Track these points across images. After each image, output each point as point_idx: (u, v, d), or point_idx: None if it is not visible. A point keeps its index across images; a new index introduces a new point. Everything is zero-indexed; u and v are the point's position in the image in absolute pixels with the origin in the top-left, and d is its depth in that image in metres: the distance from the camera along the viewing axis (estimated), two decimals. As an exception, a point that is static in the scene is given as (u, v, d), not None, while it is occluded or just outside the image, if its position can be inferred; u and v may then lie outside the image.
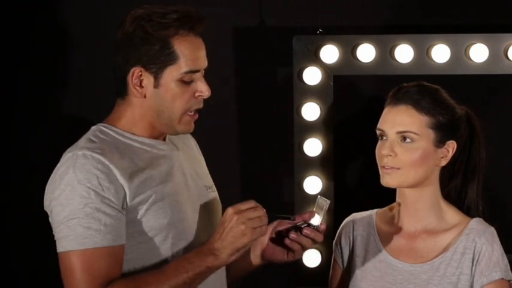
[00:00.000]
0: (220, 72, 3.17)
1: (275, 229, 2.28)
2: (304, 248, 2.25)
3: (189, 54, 2.15)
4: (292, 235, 2.23)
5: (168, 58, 2.14)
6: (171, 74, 2.15)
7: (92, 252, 2.04)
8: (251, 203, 2.12)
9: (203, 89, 2.18)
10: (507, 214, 3.15)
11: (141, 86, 2.16)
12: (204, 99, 2.21)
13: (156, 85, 2.15)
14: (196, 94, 2.18)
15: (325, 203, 2.23)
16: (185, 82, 2.16)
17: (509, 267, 2.29)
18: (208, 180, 2.33)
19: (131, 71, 2.15)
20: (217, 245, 2.09)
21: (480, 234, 2.28)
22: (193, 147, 2.38)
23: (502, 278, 2.25)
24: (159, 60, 2.14)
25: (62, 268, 2.08)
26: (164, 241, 2.13)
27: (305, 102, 3.04)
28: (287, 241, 2.24)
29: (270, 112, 3.21)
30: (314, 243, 2.25)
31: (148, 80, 2.15)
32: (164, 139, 2.24)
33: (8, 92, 3.21)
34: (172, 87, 2.15)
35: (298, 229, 2.23)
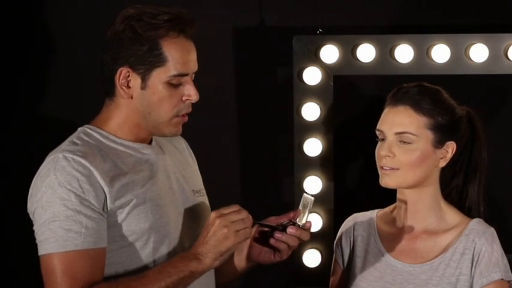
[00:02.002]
0: (220, 72, 3.17)
1: (258, 229, 2.25)
2: (290, 248, 2.22)
3: (178, 57, 2.12)
4: (277, 235, 2.19)
5: (156, 60, 2.11)
6: (158, 76, 2.11)
7: (73, 254, 2.02)
8: (234, 207, 2.10)
9: (191, 93, 2.15)
10: (507, 214, 3.15)
11: (128, 87, 2.13)
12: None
13: (143, 86, 2.12)
14: (184, 98, 2.15)
15: (309, 200, 2.20)
16: (173, 85, 2.12)
17: (509, 268, 2.28)
18: (197, 184, 2.30)
19: (118, 70, 2.12)
20: (200, 250, 2.07)
21: (480, 235, 2.27)
22: (185, 149, 2.35)
23: (502, 279, 2.25)
24: (147, 61, 2.11)
25: (43, 271, 2.06)
26: (145, 245, 2.11)
27: (305, 102, 3.03)
28: (272, 241, 2.20)
29: (270, 112, 3.21)
30: (300, 242, 2.21)
31: (135, 80, 2.12)
32: (150, 142, 2.22)
33: (5, 93, 3.22)
34: (160, 89, 2.12)
35: (283, 228, 2.20)
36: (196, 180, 2.32)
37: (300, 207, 2.21)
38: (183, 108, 2.15)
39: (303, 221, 2.20)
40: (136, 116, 2.15)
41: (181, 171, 2.25)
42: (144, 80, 2.12)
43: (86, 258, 2.03)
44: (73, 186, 2.04)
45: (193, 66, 2.16)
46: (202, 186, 2.32)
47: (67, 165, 2.06)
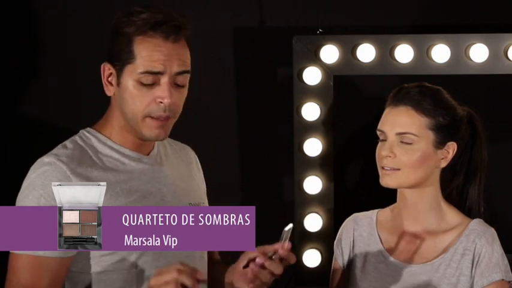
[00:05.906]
0: (220, 72, 3.17)
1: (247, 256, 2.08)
2: (272, 276, 2.01)
3: (146, 55, 2.05)
4: (251, 265, 2.01)
5: (127, 56, 2.07)
6: (129, 73, 2.07)
7: (21, 257, 2.01)
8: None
9: (163, 95, 2.05)
10: (507, 214, 3.15)
11: (111, 84, 2.11)
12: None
13: (118, 83, 2.10)
14: (157, 100, 2.07)
15: (288, 232, 1.99)
16: (145, 85, 2.06)
17: (509, 268, 2.29)
18: (197, 197, 2.25)
19: (101, 66, 2.12)
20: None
21: (480, 235, 2.27)
22: (192, 161, 2.32)
23: (502, 279, 2.25)
24: (120, 57, 2.08)
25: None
26: (128, 254, 2.06)
27: (305, 102, 3.03)
28: (248, 271, 2.02)
29: (270, 112, 3.21)
30: (274, 277, 2.01)
31: (114, 77, 2.10)
32: (149, 153, 2.18)
33: (9, 93, 3.22)
34: (130, 87, 2.07)
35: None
36: (197, 193, 2.27)
37: (282, 242, 2.01)
38: (156, 110, 2.08)
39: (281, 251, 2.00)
40: (119, 115, 2.12)
41: (180, 184, 2.21)
42: (118, 76, 2.09)
43: (31, 263, 2.01)
44: (45, 191, 2.02)
45: (166, 66, 2.06)
46: (203, 200, 2.28)
47: (47, 170, 2.05)
